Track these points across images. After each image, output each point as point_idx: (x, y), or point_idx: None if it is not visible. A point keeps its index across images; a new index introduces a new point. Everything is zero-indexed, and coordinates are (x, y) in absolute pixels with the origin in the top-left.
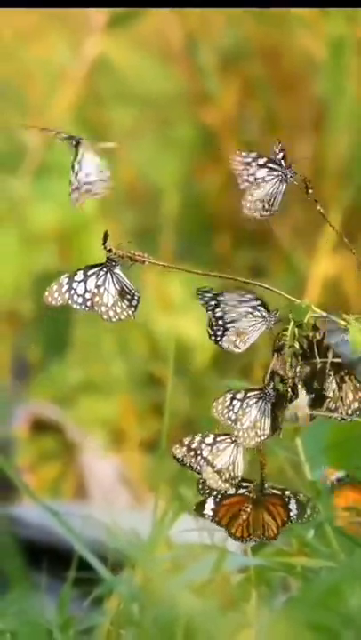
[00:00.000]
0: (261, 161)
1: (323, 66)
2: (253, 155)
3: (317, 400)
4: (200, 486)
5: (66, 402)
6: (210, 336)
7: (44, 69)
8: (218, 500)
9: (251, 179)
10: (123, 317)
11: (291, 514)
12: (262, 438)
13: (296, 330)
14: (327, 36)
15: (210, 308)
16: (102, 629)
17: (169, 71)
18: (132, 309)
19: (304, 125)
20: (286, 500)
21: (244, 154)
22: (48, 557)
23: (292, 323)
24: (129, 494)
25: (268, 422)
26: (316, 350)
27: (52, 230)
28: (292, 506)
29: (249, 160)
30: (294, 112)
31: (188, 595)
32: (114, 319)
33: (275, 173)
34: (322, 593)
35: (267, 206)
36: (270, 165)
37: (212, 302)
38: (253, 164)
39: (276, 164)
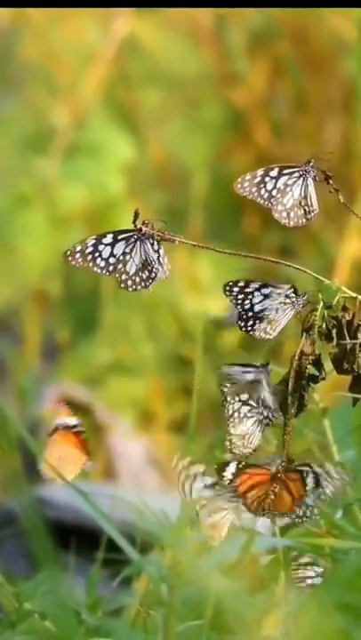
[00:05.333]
0: (274, 173)
1: (352, 46)
2: (261, 172)
3: (357, 382)
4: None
5: (95, 382)
6: (240, 328)
7: (74, 50)
8: (240, 466)
9: (273, 193)
10: (139, 288)
11: (307, 488)
12: (249, 451)
13: (325, 311)
14: (356, 16)
15: (238, 302)
16: (131, 610)
17: (198, 52)
18: (150, 281)
19: (333, 106)
20: (304, 474)
21: (248, 176)
22: (77, 538)
23: (321, 304)
24: (157, 475)
25: (257, 437)
26: (345, 331)
27: (81, 210)
28: (309, 480)
29: (258, 179)
30: (323, 92)
31: (217, 576)
32: (130, 289)
33: (296, 175)
34: (351, 574)
35: (307, 209)
36: (287, 171)
37: (240, 296)
38: (266, 179)
39: (291, 166)
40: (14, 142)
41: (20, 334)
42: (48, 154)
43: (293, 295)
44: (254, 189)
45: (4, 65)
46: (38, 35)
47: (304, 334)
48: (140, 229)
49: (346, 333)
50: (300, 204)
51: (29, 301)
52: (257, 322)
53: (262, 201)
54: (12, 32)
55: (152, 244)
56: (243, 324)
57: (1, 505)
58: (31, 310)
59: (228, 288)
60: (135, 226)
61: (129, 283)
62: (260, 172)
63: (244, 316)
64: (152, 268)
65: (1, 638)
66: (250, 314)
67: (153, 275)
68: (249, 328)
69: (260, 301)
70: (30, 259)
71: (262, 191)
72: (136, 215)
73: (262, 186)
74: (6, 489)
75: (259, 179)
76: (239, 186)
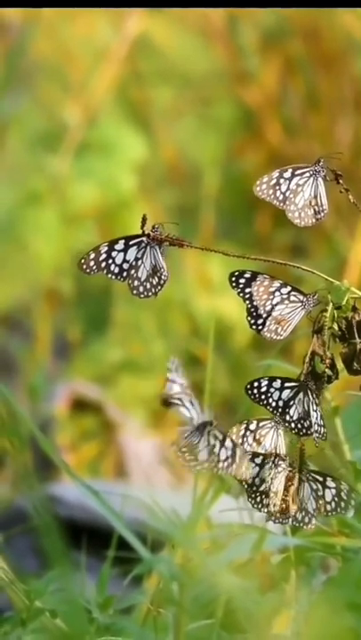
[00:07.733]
0: (287, 174)
1: None
2: (276, 173)
3: None
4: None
5: (106, 381)
6: (250, 326)
7: (86, 48)
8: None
9: (286, 194)
10: (150, 295)
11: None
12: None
13: (335, 311)
14: None
15: (246, 296)
16: (142, 609)
17: (210, 50)
18: (159, 288)
19: (345, 104)
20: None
21: (265, 179)
22: (88, 536)
23: (331, 304)
24: (168, 473)
25: (283, 446)
26: (355, 331)
27: (93, 208)
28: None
29: (274, 181)
30: (335, 91)
31: (228, 574)
32: (142, 295)
33: (307, 175)
34: None
35: (317, 208)
36: (299, 171)
37: (248, 290)
38: (281, 180)
39: (303, 167)
40: (26, 140)
41: (32, 332)
42: (60, 151)
43: (299, 294)
44: (271, 191)
45: (17, 62)
46: (50, 32)
47: (315, 335)
48: (148, 235)
49: (356, 333)
50: (310, 203)
51: (41, 299)
52: (266, 321)
53: (278, 203)
54: (25, 30)
55: (160, 248)
56: (252, 321)
57: (12, 502)
58: (42, 308)
59: (233, 279)
60: (143, 232)
61: (140, 289)
62: (275, 173)
63: (254, 314)
64: (161, 274)
65: (12, 636)
66: (259, 311)
67: (162, 281)
68: (260, 327)
69: (265, 299)
70: (42, 256)
71: (278, 193)
72: (144, 220)
73: (277, 188)
74: (18, 486)
75: (274, 180)
76: (258, 188)
